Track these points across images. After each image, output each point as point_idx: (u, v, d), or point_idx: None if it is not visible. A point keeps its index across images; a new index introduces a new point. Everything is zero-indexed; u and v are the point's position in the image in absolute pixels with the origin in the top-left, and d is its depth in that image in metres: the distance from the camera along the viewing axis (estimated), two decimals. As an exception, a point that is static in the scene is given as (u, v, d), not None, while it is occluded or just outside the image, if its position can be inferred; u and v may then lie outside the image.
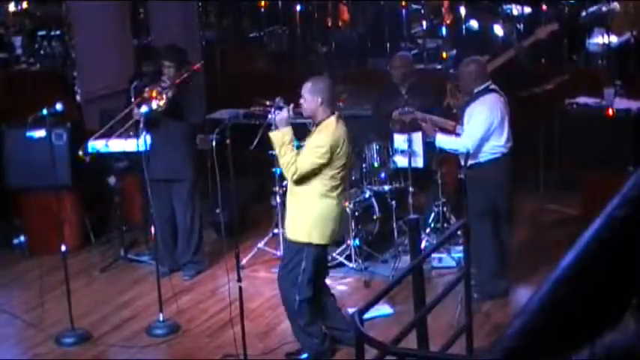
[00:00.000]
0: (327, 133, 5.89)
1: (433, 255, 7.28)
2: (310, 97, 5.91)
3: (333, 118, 5.92)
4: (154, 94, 7.16)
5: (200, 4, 11.86)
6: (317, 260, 5.98)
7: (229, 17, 12.50)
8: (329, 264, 6.79)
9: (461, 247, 6.32)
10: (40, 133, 8.00)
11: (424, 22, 11.65)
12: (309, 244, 5.91)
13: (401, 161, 7.65)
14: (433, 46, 11.51)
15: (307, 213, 5.91)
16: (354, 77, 10.33)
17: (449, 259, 7.53)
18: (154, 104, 7.15)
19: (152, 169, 7.48)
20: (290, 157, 5.86)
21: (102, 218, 8.92)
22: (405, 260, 7.21)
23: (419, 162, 7.62)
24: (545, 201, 8.94)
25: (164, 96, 7.20)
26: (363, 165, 7.88)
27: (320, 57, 11.65)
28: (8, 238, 8.68)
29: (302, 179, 5.88)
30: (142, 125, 6.96)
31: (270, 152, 7.97)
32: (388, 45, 11.03)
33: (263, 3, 12.15)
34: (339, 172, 5.93)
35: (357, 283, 7.41)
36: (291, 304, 6.05)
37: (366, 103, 8.52)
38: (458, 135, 6.93)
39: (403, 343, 4.27)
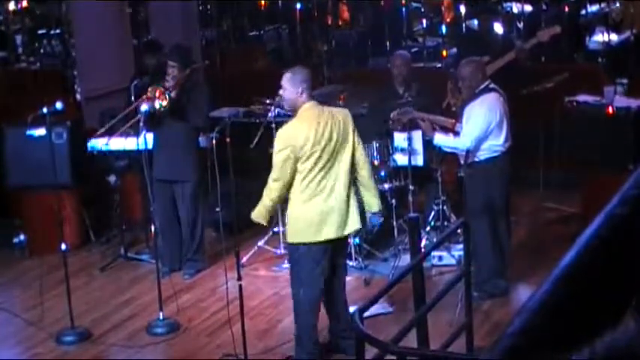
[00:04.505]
0: (287, 127, 5.71)
1: (433, 253, 7.28)
2: (291, 87, 5.72)
3: (307, 105, 5.71)
4: (158, 94, 7.15)
5: (200, 4, 11.86)
6: (309, 260, 5.78)
7: (229, 17, 12.51)
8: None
9: (461, 246, 6.32)
10: (40, 132, 8.00)
11: (424, 21, 11.67)
12: (297, 245, 5.79)
13: (401, 159, 7.64)
14: (433, 44, 11.53)
15: (290, 215, 5.83)
16: (355, 76, 10.32)
17: (449, 257, 7.52)
18: (157, 103, 7.14)
19: (156, 169, 7.48)
20: (267, 196, 5.77)
21: (102, 217, 8.92)
22: (405, 259, 7.20)
23: (419, 160, 7.62)
24: (545, 199, 8.93)
25: (167, 96, 7.19)
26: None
27: (320, 56, 11.66)
28: (8, 237, 8.67)
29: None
30: (142, 124, 6.95)
31: (270, 150, 7.98)
32: (388, 44, 11.03)
33: (263, 2, 12.17)
34: (312, 170, 5.65)
35: (357, 281, 7.40)
36: (295, 309, 5.95)
37: (365, 101, 8.51)
38: (457, 133, 6.92)
39: (403, 342, 4.27)
